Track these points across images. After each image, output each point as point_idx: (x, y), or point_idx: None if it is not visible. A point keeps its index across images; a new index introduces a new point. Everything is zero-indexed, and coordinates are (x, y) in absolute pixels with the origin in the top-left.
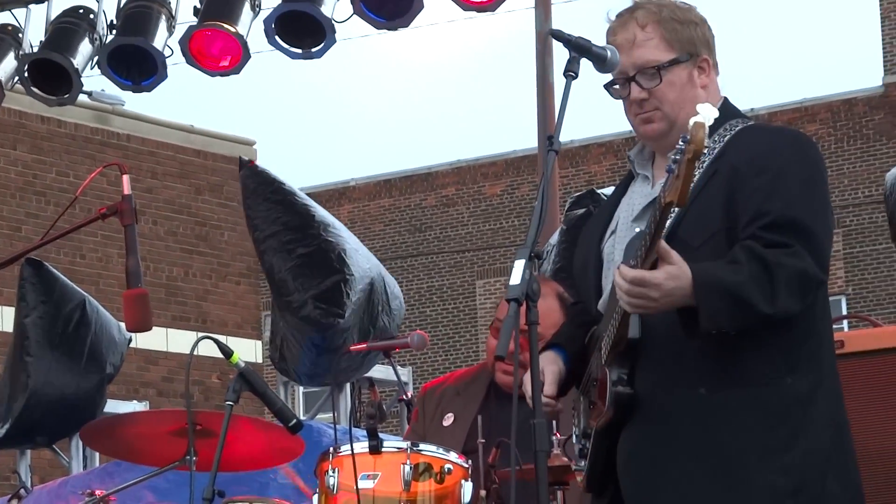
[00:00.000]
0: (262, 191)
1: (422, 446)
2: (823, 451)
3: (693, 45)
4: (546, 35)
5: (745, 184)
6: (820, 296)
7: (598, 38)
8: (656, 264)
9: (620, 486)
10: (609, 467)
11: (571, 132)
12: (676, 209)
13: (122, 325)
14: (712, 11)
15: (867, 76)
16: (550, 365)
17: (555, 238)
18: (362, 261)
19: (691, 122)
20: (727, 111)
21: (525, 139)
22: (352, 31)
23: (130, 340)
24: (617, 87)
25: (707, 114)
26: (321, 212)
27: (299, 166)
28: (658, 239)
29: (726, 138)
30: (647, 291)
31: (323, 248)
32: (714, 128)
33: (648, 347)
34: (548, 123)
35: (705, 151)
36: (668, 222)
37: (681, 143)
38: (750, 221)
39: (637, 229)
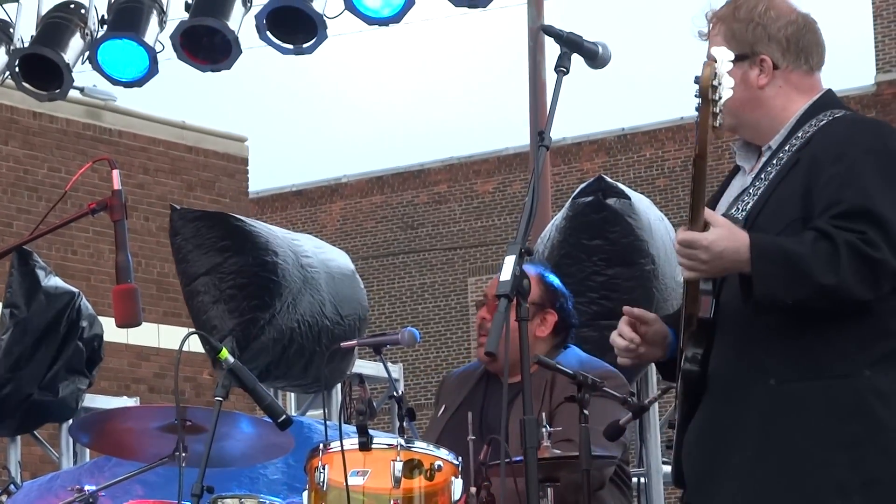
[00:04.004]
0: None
1: (412, 443)
2: None
3: (748, 45)
4: (538, 31)
5: (822, 172)
6: None
7: (591, 35)
8: (708, 228)
9: (683, 473)
10: None
11: (564, 130)
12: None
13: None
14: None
15: (859, 75)
16: (656, 322)
17: (550, 228)
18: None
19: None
20: (824, 103)
21: (517, 137)
22: (343, 27)
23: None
24: None
25: (720, 55)
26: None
27: (291, 163)
28: (699, 195)
29: (814, 128)
30: (696, 253)
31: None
32: (804, 120)
33: (721, 331)
34: (540, 120)
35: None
36: (748, 209)
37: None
38: (823, 210)
39: None
